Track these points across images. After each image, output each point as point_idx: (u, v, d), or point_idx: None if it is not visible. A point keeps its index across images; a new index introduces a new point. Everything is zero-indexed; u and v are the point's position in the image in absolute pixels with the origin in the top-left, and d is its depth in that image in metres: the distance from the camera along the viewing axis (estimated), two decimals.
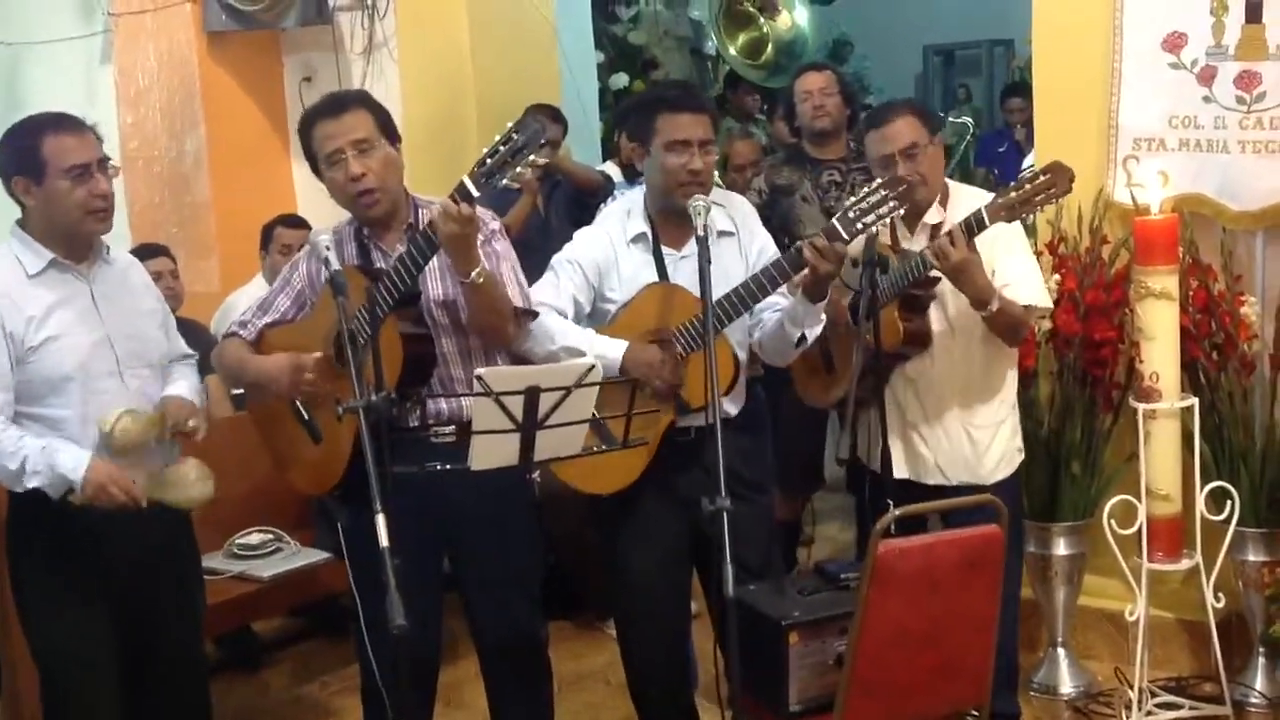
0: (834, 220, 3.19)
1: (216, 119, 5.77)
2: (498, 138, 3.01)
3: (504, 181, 3.05)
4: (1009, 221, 3.35)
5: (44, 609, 3.19)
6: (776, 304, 3.41)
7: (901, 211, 3.23)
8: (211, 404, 4.49)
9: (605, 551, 3.58)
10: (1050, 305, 3.76)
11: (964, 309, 3.49)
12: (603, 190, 5.26)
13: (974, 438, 3.62)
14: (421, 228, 3.16)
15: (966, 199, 3.54)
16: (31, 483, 3.02)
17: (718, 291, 3.23)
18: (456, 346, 3.30)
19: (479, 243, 3.14)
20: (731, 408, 3.47)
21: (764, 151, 5.95)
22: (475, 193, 3.02)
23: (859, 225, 3.17)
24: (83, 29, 5.94)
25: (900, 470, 3.45)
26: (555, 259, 3.50)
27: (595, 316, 3.47)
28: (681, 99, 3.40)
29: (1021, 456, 3.75)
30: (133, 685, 3.24)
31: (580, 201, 5.24)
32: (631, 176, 5.39)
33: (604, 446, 3.04)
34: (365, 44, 5.65)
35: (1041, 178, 3.31)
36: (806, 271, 3.21)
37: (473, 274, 3.08)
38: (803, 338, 3.36)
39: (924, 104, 3.94)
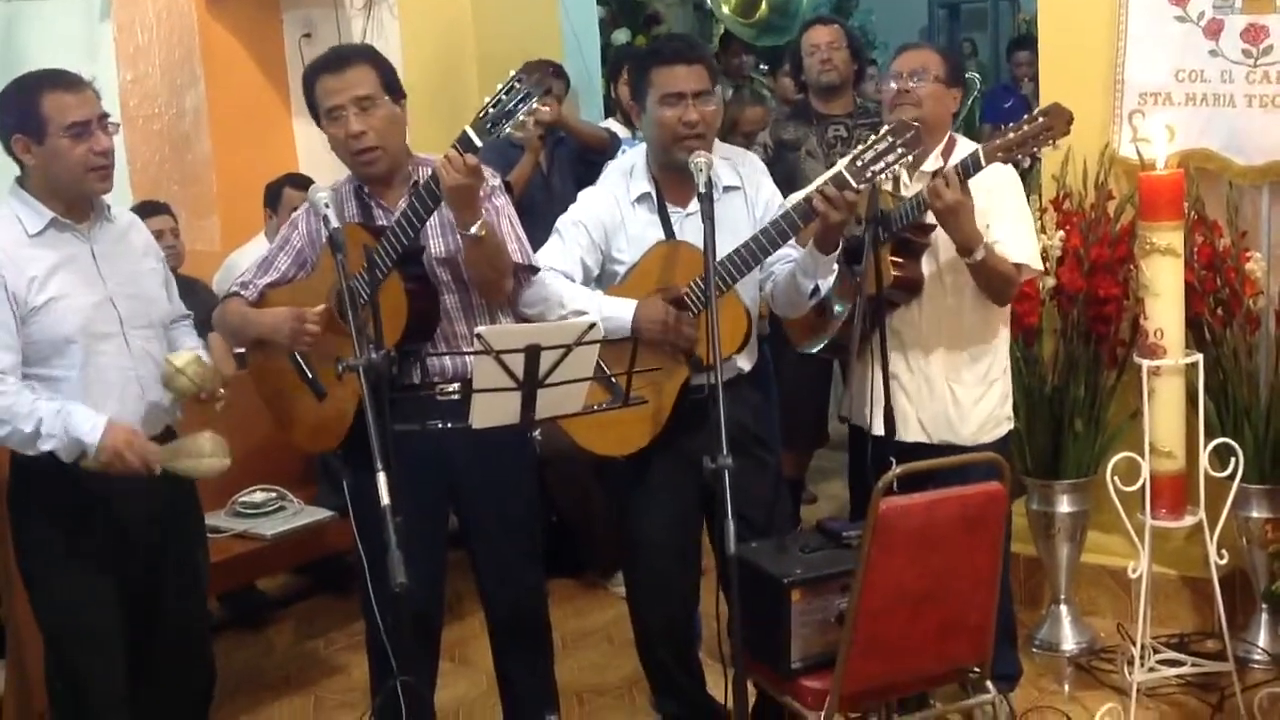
0: (842, 168, 3.16)
1: (216, 76, 5.74)
2: (500, 86, 2.99)
3: (507, 130, 3.03)
4: (1005, 162, 3.32)
5: (48, 573, 3.18)
6: (787, 256, 3.40)
7: (911, 159, 3.19)
8: (215, 362, 4.50)
9: (615, 510, 3.58)
10: (1040, 268, 3.73)
11: (956, 261, 3.46)
12: (608, 148, 5.23)
13: (958, 396, 3.59)
14: (424, 182, 3.14)
15: (968, 152, 3.51)
16: (46, 446, 3.00)
17: (726, 247, 3.22)
18: (459, 302, 3.29)
19: (480, 197, 3.12)
20: (745, 363, 3.47)
21: None
22: (478, 142, 3.00)
23: (869, 173, 3.14)
24: None
25: (880, 426, 3.44)
26: (560, 221, 3.48)
27: (604, 278, 3.46)
28: (674, 52, 3.36)
29: (1011, 425, 3.71)
30: (137, 644, 3.25)
31: (585, 159, 5.21)
32: (634, 127, 5.36)
33: (604, 405, 3.04)
34: (365, 0, 5.61)
35: (1041, 119, 3.29)
36: (817, 222, 3.19)
37: (474, 226, 3.07)
38: (816, 289, 3.34)
39: (956, 55, 3.92)
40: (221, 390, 3.26)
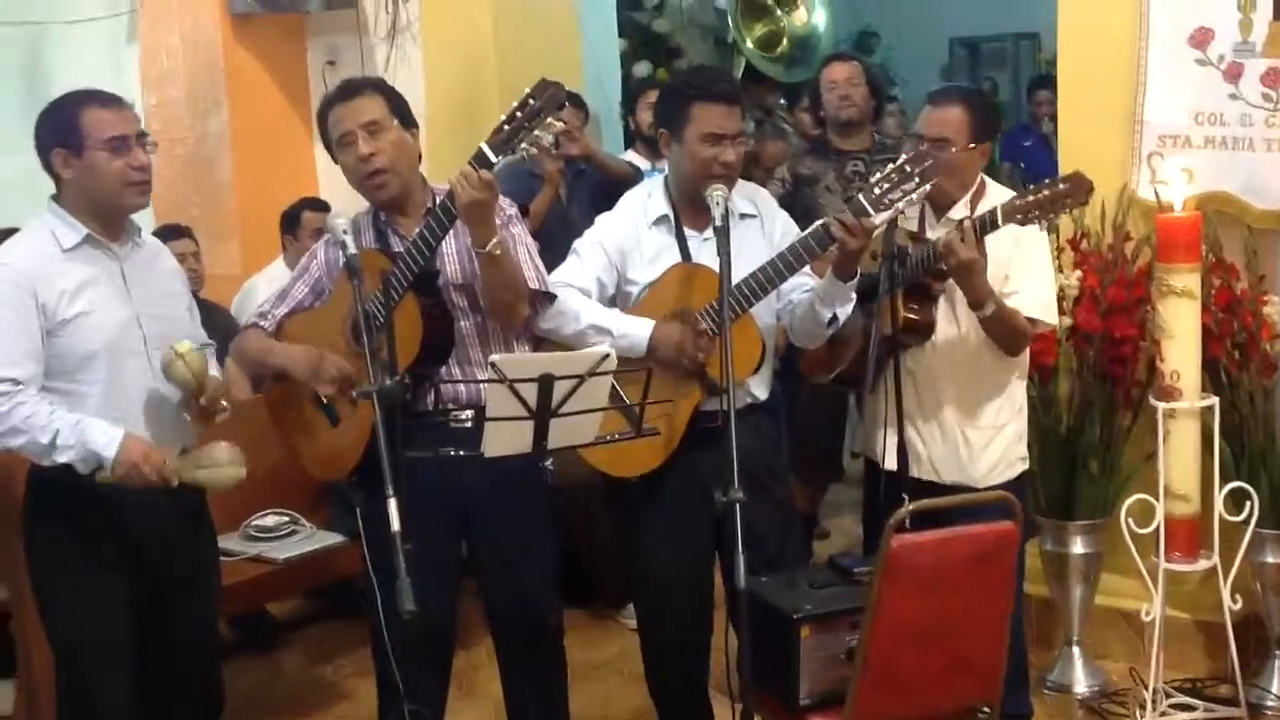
0: (859, 196, 3.17)
1: (240, 101, 5.78)
2: (514, 103, 3.01)
3: (523, 147, 3.04)
4: (1022, 225, 3.31)
5: (62, 590, 3.19)
6: (805, 285, 3.41)
7: (928, 188, 3.19)
8: (230, 386, 4.51)
9: (626, 540, 3.55)
10: (1055, 323, 3.71)
11: None
12: (631, 181, 5.24)
13: (969, 439, 3.59)
14: (439, 203, 3.16)
15: (997, 199, 3.50)
16: (62, 458, 3.01)
17: (742, 272, 3.22)
18: (475, 328, 3.30)
19: (495, 214, 3.13)
20: (761, 392, 3.47)
21: None
22: (494, 159, 3.02)
23: (885, 201, 3.14)
24: (108, 9, 5.96)
25: (892, 462, 3.44)
26: (577, 242, 3.50)
27: (619, 298, 3.46)
28: (719, 90, 3.36)
29: (1025, 465, 3.70)
30: (147, 665, 3.25)
31: (607, 192, 5.22)
32: (655, 157, 5.37)
33: (617, 435, 3.04)
34: (389, 28, 5.66)
35: (1061, 186, 3.29)
36: (835, 249, 3.19)
37: (490, 244, 3.08)
38: (834, 318, 3.34)
39: (987, 103, 3.80)
40: (224, 404, 3.25)
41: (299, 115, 5.93)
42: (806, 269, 3.33)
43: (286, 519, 4.51)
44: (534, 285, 3.28)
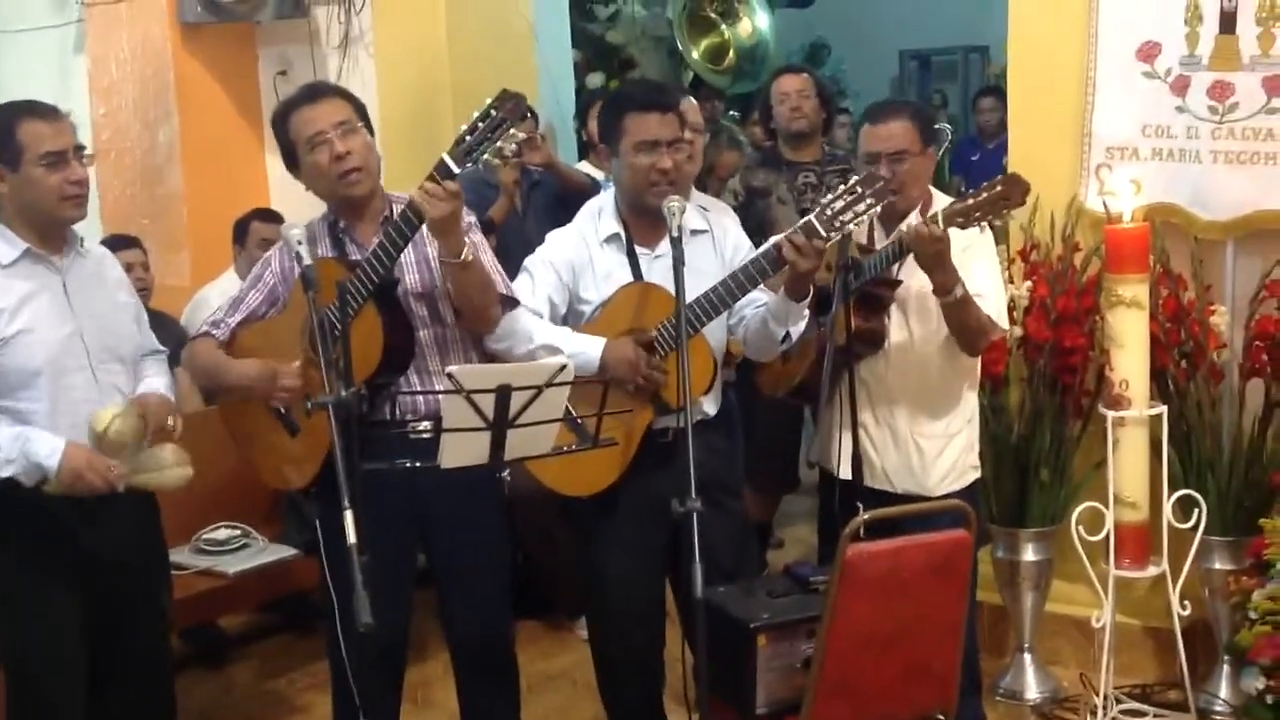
0: (811, 217, 3.17)
1: (190, 111, 5.73)
2: (476, 114, 3.00)
3: (485, 158, 3.04)
4: (963, 228, 3.32)
5: (12, 605, 3.15)
6: (757, 300, 3.41)
7: (879, 209, 3.21)
8: (180, 398, 4.47)
9: (580, 553, 3.56)
10: (1006, 328, 3.69)
11: (924, 315, 3.49)
12: (589, 192, 5.24)
13: (921, 448, 3.60)
14: (396, 216, 3.15)
15: (943, 205, 3.53)
16: (4, 472, 2.99)
17: (694, 290, 3.22)
18: (434, 337, 3.30)
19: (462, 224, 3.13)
20: (710, 407, 3.47)
21: None
22: (456, 169, 3.02)
23: (837, 222, 3.15)
24: (56, 18, 5.89)
25: (847, 472, 3.45)
26: (528, 261, 3.49)
27: (570, 317, 3.46)
28: (649, 99, 3.39)
29: (976, 474, 3.72)
30: (98, 679, 3.22)
31: (565, 202, 5.22)
32: (609, 168, 5.38)
33: (574, 446, 3.03)
34: (341, 38, 5.63)
35: (998, 188, 3.31)
36: (786, 269, 3.20)
37: (463, 253, 3.08)
38: (787, 335, 3.36)
39: (929, 112, 3.88)
40: (171, 422, 3.22)
41: (250, 125, 5.89)
42: None
43: (238, 532, 4.47)
44: (500, 290, 3.29)
